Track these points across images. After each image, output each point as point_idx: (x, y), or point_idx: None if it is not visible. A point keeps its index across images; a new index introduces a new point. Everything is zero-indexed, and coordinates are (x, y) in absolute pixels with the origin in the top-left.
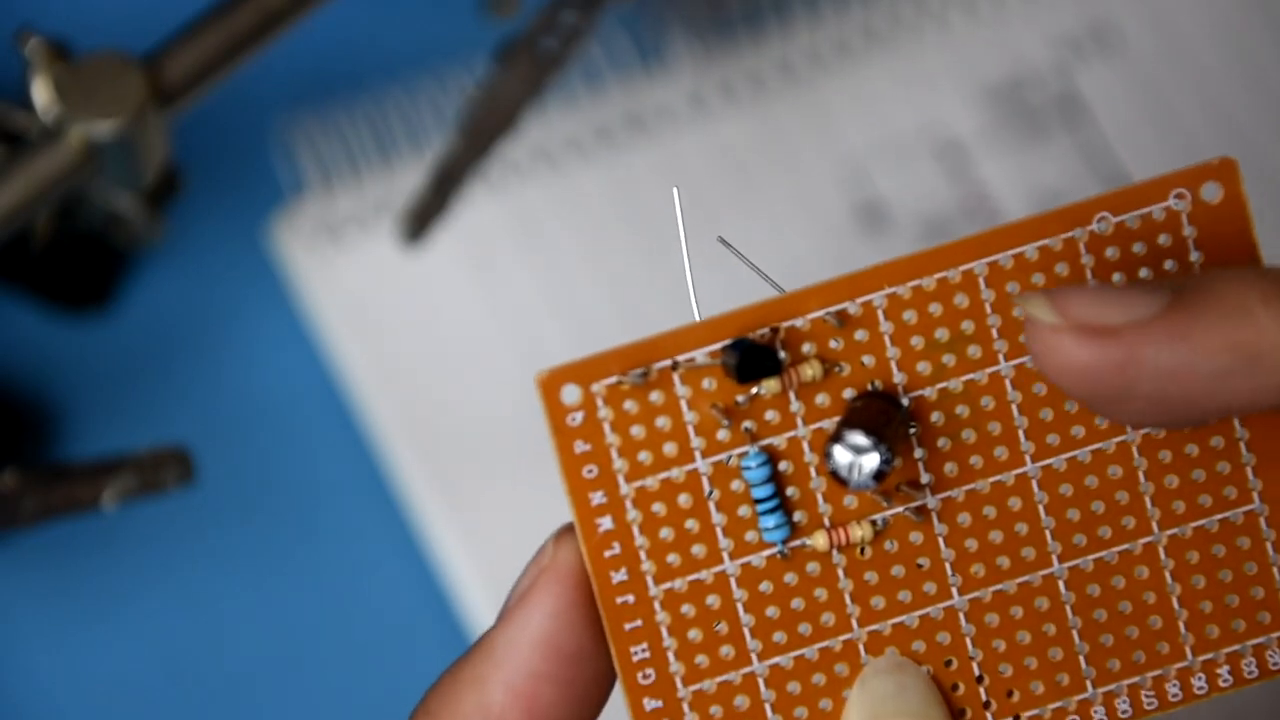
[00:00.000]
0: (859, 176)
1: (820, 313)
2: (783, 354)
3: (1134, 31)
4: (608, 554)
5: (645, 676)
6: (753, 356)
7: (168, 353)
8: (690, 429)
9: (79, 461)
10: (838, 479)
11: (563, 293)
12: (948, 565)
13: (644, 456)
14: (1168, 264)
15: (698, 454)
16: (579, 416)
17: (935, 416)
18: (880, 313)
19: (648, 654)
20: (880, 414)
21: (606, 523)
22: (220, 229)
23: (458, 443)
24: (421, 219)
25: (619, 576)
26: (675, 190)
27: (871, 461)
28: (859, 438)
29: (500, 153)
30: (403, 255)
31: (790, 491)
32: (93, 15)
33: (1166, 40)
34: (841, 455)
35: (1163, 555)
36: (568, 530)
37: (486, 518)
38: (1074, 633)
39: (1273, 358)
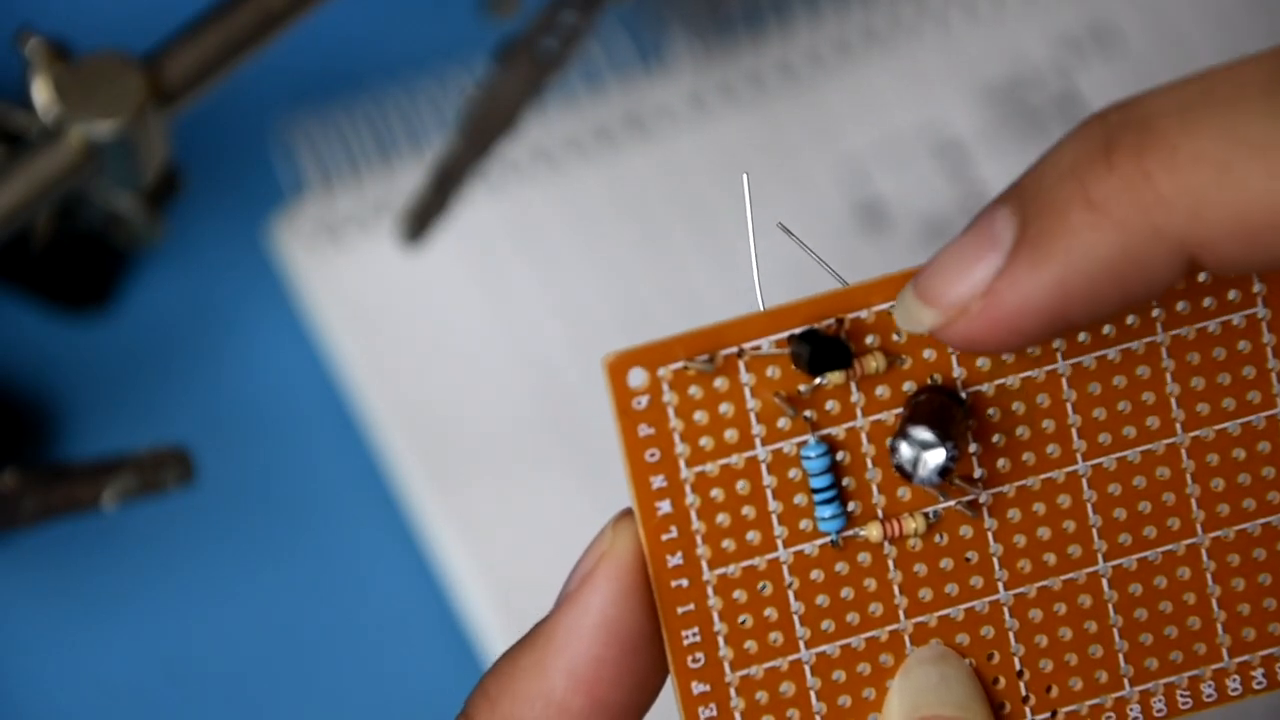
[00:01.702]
0: (859, 176)
1: (885, 305)
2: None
3: (1134, 31)
4: (665, 538)
5: (695, 660)
6: (825, 349)
7: (168, 353)
8: (752, 416)
9: (79, 461)
10: (902, 473)
11: (562, 293)
12: (995, 560)
13: (705, 442)
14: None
15: (758, 441)
16: (644, 400)
17: (991, 412)
18: None
19: (698, 638)
20: (945, 409)
21: (665, 506)
22: (220, 229)
23: (458, 442)
24: (421, 219)
25: (674, 560)
26: (745, 176)
27: (937, 457)
28: (925, 433)
29: (500, 153)
30: (403, 255)
31: (846, 482)
32: (93, 15)
33: (1166, 40)
34: (907, 450)
35: (1205, 557)
36: (626, 515)
37: (486, 517)
38: (1114, 631)
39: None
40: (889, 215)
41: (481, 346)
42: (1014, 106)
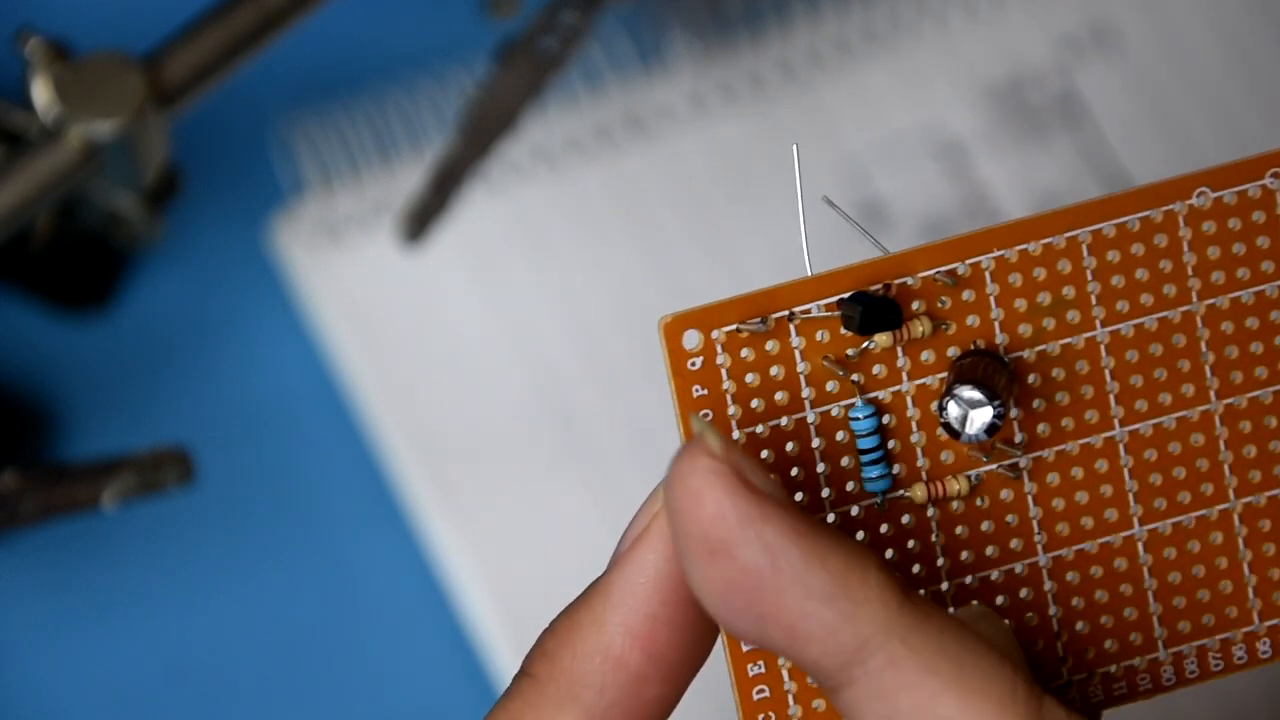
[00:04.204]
0: (859, 176)
1: (930, 272)
2: None
3: (1134, 31)
4: None
5: None
6: (877, 309)
7: (168, 353)
8: (802, 379)
9: (79, 461)
10: (950, 432)
11: (562, 292)
12: (1034, 523)
13: (756, 403)
14: (1261, 240)
15: (808, 404)
16: (699, 361)
17: (1032, 378)
18: (987, 274)
19: None
20: (990, 370)
21: None
22: (220, 229)
23: (457, 442)
24: (421, 219)
25: None
26: (795, 147)
27: (984, 415)
28: (973, 392)
29: (500, 153)
30: (403, 255)
31: (891, 445)
32: (93, 15)
33: (1166, 40)
34: (956, 409)
35: (1237, 522)
36: None
37: (485, 515)
38: (1149, 594)
39: None
40: (889, 215)
41: (481, 346)
42: (1014, 106)
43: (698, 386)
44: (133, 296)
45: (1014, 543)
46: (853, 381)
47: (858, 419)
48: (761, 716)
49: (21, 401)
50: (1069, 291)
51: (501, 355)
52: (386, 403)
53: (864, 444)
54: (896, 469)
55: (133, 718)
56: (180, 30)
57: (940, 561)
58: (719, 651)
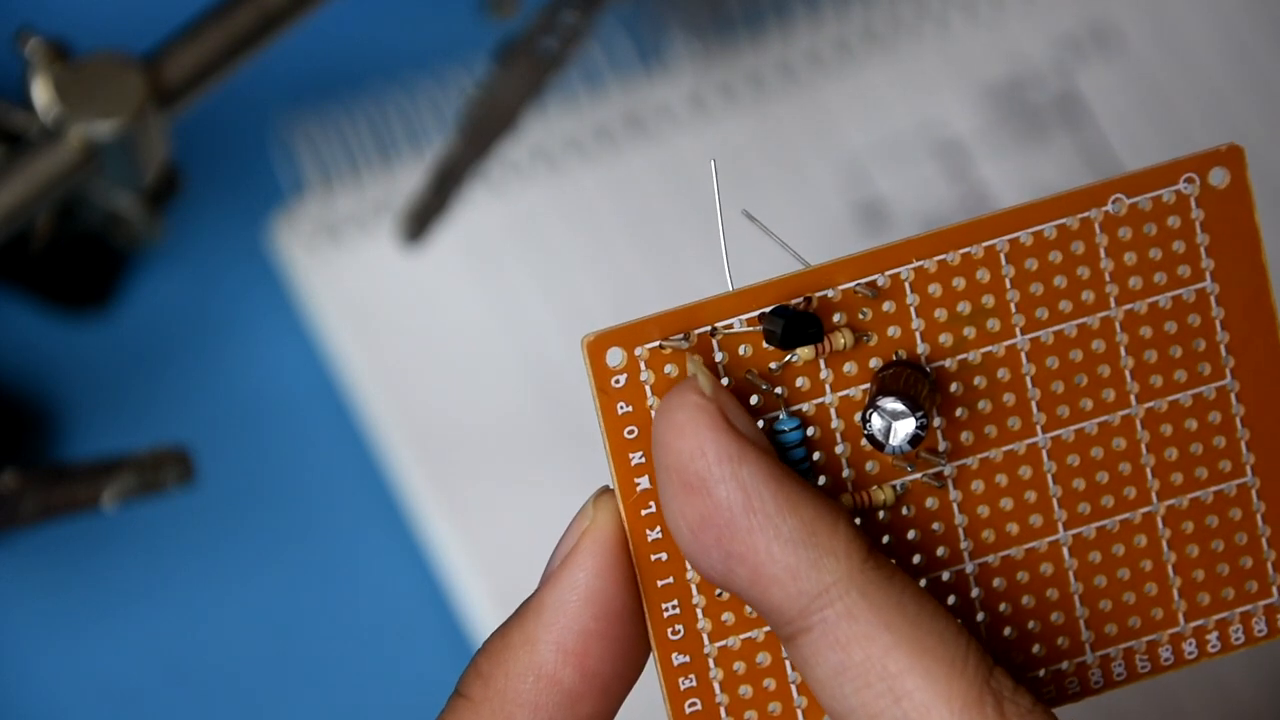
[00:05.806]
0: (859, 176)
1: (851, 284)
2: None
3: (1134, 31)
4: (644, 513)
5: (674, 632)
6: (797, 323)
7: (168, 353)
8: None
9: (79, 461)
10: (874, 444)
11: (562, 293)
12: (960, 530)
13: None
14: (1176, 245)
15: None
16: (622, 379)
17: (954, 387)
18: (907, 285)
19: (678, 610)
20: (912, 381)
21: (644, 483)
22: (220, 229)
23: (457, 442)
24: (421, 219)
25: (654, 535)
26: (713, 162)
27: (907, 427)
28: (895, 404)
29: (500, 153)
30: (403, 255)
31: (816, 456)
32: (93, 15)
33: (1166, 40)
34: (879, 421)
35: (1160, 525)
36: (605, 492)
37: (486, 517)
38: (1075, 598)
39: None
40: (889, 215)
41: (481, 346)
42: (1014, 106)
43: (622, 404)
44: (133, 296)
45: (940, 550)
46: (776, 395)
47: (783, 431)
48: None
49: (21, 401)
50: (988, 300)
51: (501, 355)
52: (386, 402)
53: (794, 455)
54: (822, 480)
55: (133, 718)
56: (180, 30)
57: None
58: (651, 669)
